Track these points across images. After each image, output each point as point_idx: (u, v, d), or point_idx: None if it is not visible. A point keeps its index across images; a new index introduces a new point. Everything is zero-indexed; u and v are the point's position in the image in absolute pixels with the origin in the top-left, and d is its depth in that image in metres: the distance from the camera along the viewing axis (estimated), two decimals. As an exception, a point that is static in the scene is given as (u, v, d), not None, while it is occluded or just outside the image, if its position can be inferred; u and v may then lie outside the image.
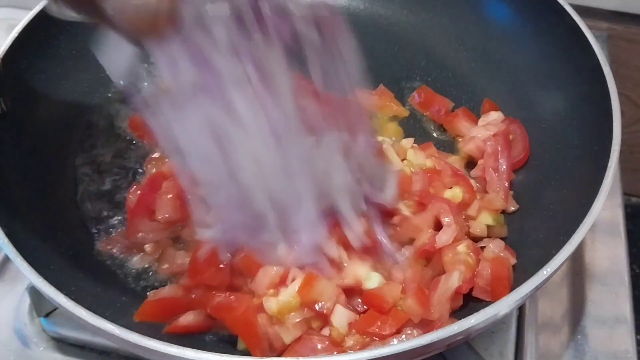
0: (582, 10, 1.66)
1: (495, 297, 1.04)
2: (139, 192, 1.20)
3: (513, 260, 1.10)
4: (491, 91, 1.38)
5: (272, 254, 1.03)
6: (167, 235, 1.18)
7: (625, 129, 1.97)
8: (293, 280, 1.02)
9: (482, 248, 1.12)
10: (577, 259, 1.32)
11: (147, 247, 1.17)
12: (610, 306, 1.25)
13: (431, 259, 1.12)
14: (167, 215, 1.17)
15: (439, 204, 1.13)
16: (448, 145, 1.34)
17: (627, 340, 1.21)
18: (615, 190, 1.42)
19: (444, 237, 1.09)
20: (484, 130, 1.26)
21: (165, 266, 1.16)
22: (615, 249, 1.34)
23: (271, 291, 1.01)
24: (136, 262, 1.18)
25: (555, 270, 0.95)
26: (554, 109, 1.27)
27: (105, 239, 1.20)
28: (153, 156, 1.31)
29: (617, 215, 1.40)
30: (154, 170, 1.28)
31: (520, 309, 1.23)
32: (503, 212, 1.20)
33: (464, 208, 1.17)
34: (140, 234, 1.18)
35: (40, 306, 1.18)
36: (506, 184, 1.21)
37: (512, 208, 1.21)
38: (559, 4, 1.27)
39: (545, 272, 0.93)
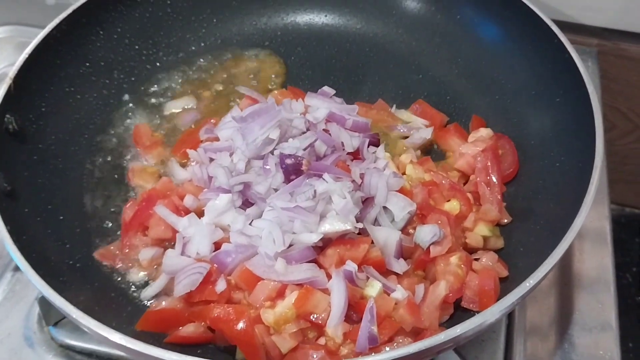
0: (573, 27, 1.74)
1: (482, 307, 1.09)
2: (135, 207, 1.26)
3: (505, 273, 1.16)
4: (482, 108, 1.43)
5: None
6: (161, 254, 1.21)
7: (617, 141, 2.04)
8: (290, 292, 1.07)
9: (477, 259, 1.17)
10: (565, 269, 1.36)
11: (143, 261, 1.22)
12: (596, 315, 1.30)
13: (427, 269, 1.17)
14: (158, 234, 1.22)
15: (438, 215, 1.18)
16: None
17: (613, 348, 1.25)
18: (603, 202, 1.46)
19: (438, 248, 1.15)
20: (472, 147, 1.31)
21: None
22: (602, 259, 1.38)
23: (268, 303, 1.06)
24: (134, 274, 1.22)
25: (539, 282, 0.99)
26: (542, 126, 1.32)
27: (102, 249, 1.25)
28: (135, 166, 1.36)
29: (605, 227, 1.43)
30: (140, 182, 1.33)
31: (510, 318, 1.27)
32: (497, 224, 1.25)
33: (461, 220, 1.22)
34: (133, 248, 1.23)
35: (49, 315, 1.23)
36: (499, 196, 1.25)
37: (505, 220, 1.26)
38: (547, 25, 1.32)
39: (528, 284, 0.98)
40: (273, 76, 1.54)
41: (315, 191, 1.13)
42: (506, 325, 1.26)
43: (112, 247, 1.25)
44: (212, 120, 1.42)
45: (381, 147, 1.32)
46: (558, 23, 1.33)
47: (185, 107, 1.48)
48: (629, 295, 2.11)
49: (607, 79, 1.83)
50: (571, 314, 1.30)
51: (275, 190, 1.18)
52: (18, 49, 1.84)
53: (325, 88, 1.41)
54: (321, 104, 1.35)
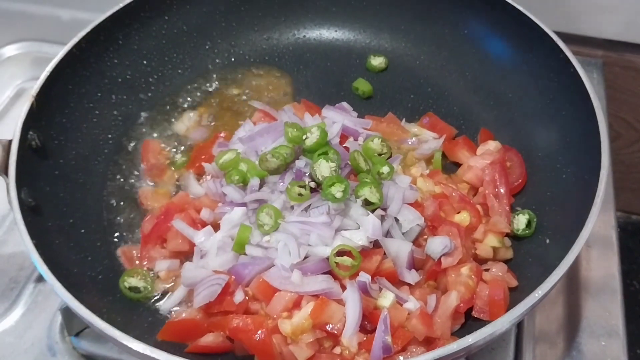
0: (579, 39, 1.77)
1: (492, 316, 1.12)
2: (153, 221, 1.29)
3: (514, 283, 1.19)
4: (490, 121, 1.46)
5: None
6: (178, 266, 1.25)
7: (623, 150, 2.07)
8: (307, 303, 1.10)
9: (487, 270, 1.20)
10: (573, 277, 1.39)
11: (160, 273, 1.25)
12: (603, 322, 1.33)
13: (439, 280, 1.20)
14: (176, 247, 1.26)
15: (449, 227, 1.21)
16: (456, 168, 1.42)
17: (620, 355, 1.28)
18: (609, 211, 1.49)
19: (449, 259, 1.18)
20: (480, 160, 1.33)
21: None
22: (609, 267, 1.41)
23: (285, 314, 1.10)
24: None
25: (548, 292, 1.02)
26: (549, 138, 1.35)
27: (125, 247, 1.30)
28: (145, 189, 1.39)
29: (611, 236, 1.46)
30: (154, 204, 1.36)
31: (519, 326, 1.30)
32: (506, 235, 1.27)
33: (471, 231, 1.25)
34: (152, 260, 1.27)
35: (71, 325, 1.27)
36: (507, 208, 1.28)
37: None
38: (552, 40, 1.34)
39: (537, 295, 1.01)
40: (284, 90, 1.57)
41: (329, 207, 1.16)
42: (515, 334, 1.29)
43: (134, 250, 1.29)
44: (222, 135, 1.45)
45: (396, 160, 1.35)
46: (564, 35, 1.36)
47: (196, 123, 1.51)
48: (637, 302, 2.13)
49: (613, 89, 1.86)
50: (579, 322, 1.33)
51: (292, 207, 1.21)
52: (34, 65, 1.89)
53: (344, 104, 1.45)
54: (337, 117, 1.38)
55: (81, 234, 1.27)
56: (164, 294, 1.24)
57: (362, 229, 1.17)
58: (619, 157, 2.07)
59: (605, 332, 1.31)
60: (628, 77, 1.86)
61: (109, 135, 1.45)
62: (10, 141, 1.21)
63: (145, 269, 1.26)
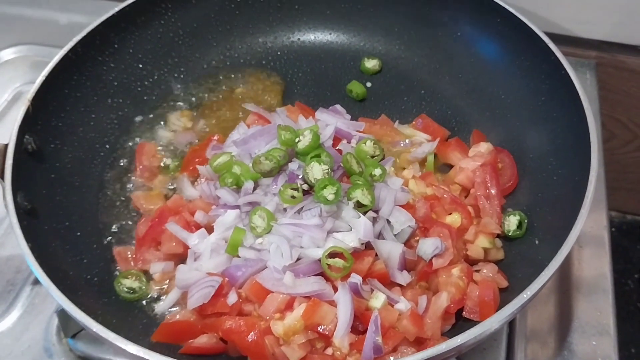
0: (572, 41, 1.78)
1: (482, 317, 1.13)
2: (148, 223, 1.30)
3: (505, 283, 1.20)
4: (482, 122, 1.47)
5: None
6: (172, 268, 1.27)
7: (618, 150, 2.08)
8: (299, 304, 1.11)
9: (478, 271, 1.22)
10: (564, 277, 1.40)
11: (155, 275, 1.27)
12: (594, 322, 1.33)
13: (430, 280, 1.21)
14: (170, 250, 1.27)
15: (440, 228, 1.22)
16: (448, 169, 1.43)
17: (611, 354, 1.29)
18: (601, 211, 1.50)
19: (440, 260, 1.19)
20: (471, 162, 1.35)
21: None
22: (601, 267, 1.42)
23: (277, 315, 1.11)
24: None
25: (536, 293, 1.04)
26: (540, 140, 1.36)
27: (120, 247, 1.31)
28: (138, 193, 1.40)
29: (603, 236, 1.47)
30: (149, 206, 1.37)
31: (511, 325, 1.31)
32: (497, 236, 1.29)
33: (462, 233, 1.26)
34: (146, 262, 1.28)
35: (68, 328, 1.28)
36: (498, 209, 1.30)
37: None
38: (544, 42, 1.35)
39: (525, 295, 1.02)
40: (279, 93, 1.58)
41: (321, 209, 1.18)
42: (507, 333, 1.30)
43: (128, 251, 1.30)
44: (215, 137, 1.46)
45: (389, 162, 1.36)
46: (557, 36, 1.37)
47: (189, 126, 1.52)
48: (631, 301, 2.14)
49: (606, 90, 1.87)
50: (570, 321, 1.33)
51: (284, 209, 1.22)
52: (32, 68, 1.89)
53: (337, 106, 1.46)
54: (330, 120, 1.40)
55: (77, 237, 1.29)
56: (158, 296, 1.25)
57: (354, 230, 1.19)
58: (614, 157, 2.08)
59: (596, 332, 1.32)
60: (621, 77, 1.87)
61: (105, 139, 1.46)
62: (6, 145, 1.22)
63: (140, 270, 1.28)
